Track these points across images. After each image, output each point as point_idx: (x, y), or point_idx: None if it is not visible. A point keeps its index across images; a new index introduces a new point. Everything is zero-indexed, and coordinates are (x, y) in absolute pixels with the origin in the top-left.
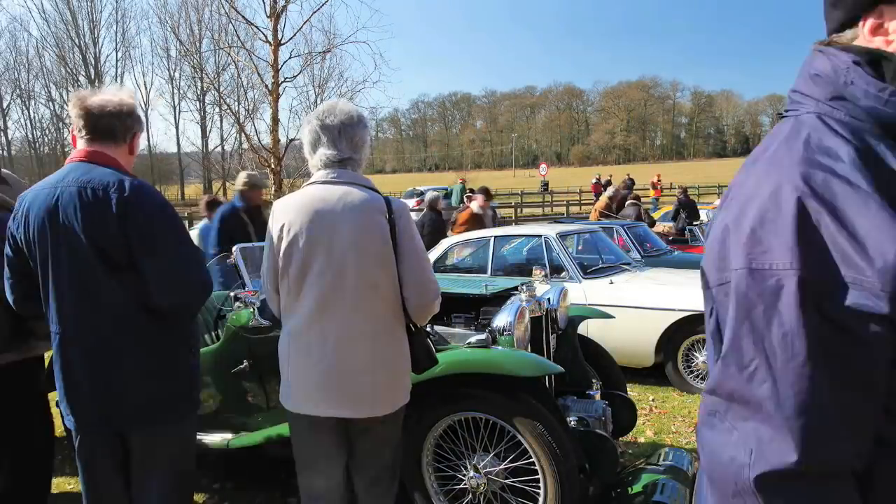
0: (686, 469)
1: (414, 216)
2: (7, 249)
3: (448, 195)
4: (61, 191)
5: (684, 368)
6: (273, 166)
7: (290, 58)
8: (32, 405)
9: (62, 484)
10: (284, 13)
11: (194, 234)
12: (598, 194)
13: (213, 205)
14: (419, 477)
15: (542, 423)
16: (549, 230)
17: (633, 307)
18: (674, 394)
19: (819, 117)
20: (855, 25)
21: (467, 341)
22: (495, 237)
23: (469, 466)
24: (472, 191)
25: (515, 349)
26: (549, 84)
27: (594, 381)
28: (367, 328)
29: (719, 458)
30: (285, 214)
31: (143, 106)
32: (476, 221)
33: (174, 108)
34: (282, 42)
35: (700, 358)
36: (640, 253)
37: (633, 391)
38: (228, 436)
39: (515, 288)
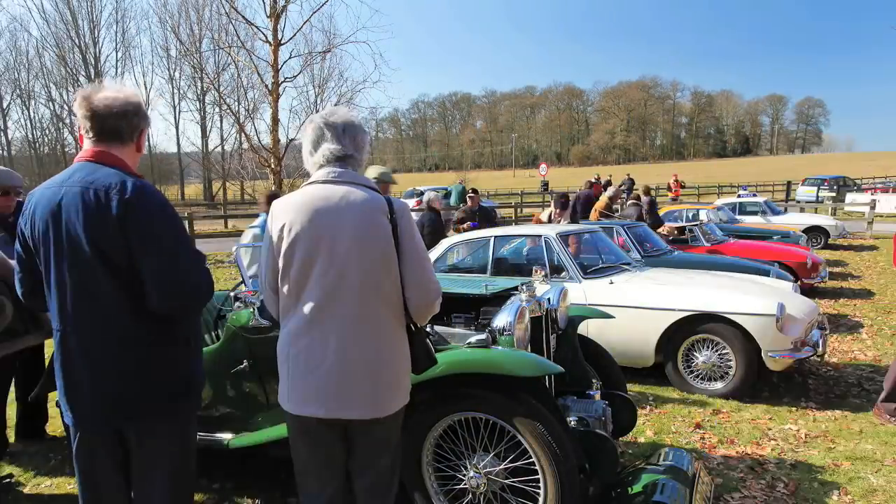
0: (686, 469)
1: (414, 216)
2: (17, 245)
3: (448, 195)
4: (65, 191)
5: (684, 368)
6: (273, 166)
7: (290, 58)
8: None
9: (62, 484)
10: (284, 13)
11: (253, 230)
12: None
13: (273, 198)
14: (419, 477)
15: (542, 423)
16: (549, 230)
17: (633, 307)
18: (674, 394)
19: None
20: None
21: (467, 341)
22: (495, 237)
23: (469, 466)
24: (474, 190)
25: (515, 349)
26: (549, 84)
27: (594, 381)
28: (368, 329)
29: None
30: (285, 214)
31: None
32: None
33: (174, 108)
34: (282, 42)
35: (700, 358)
36: (640, 253)
37: (633, 391)
38: (228, 436)
39: (515, 288)
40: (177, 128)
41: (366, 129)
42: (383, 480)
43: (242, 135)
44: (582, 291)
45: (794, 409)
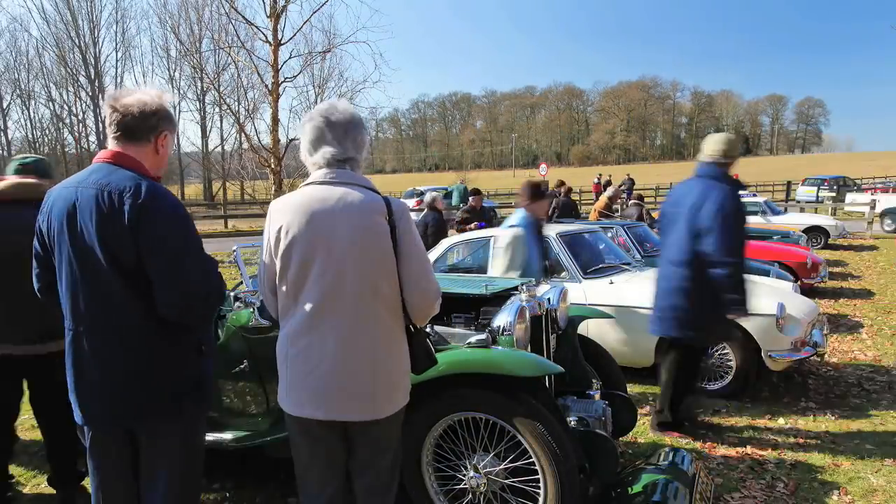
0: (686, 469)
1: (414, 216)
2: (35, 242)
3: (448, 195)
4: (80, 192)
5: None
6: (273, 166)
7: (290, 58)
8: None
9: None
10: (284, 13)
11: (513, 230)
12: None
13: (535, 189)
14: (419, 477)
15: (542, 423)
16: (549, 230)
17: (633, 307)
18: None
19: None
20: None
21: (467, 341)
22: (495, 237)
23: (469, 466)
24: (476, 190)
25: (515, 349)
26: (549, 84)
27: (594, 381)
28: (367, 330)
29: None
30: (283, 215)
31: None
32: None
33: (174, 107)
34: (282, 42)
35: None
36: (640, 253)
37: (633, 391)
38: (228, 436)
39: (515, 288)
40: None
41: (365, 125)
42: (383, 480)
43: (242, 135)
44: (582, 291)
45: (794, 409)
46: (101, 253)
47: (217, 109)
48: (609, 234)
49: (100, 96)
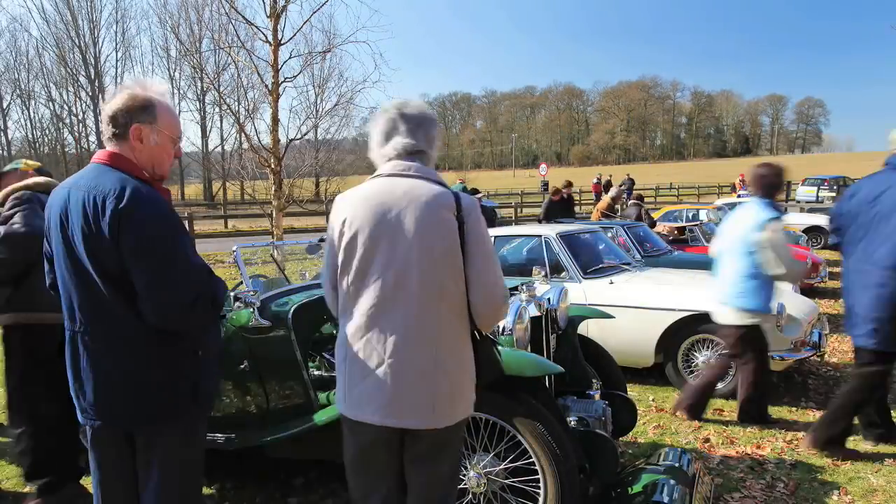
0: (686, 469)
1: None
2: (45, 239)
3: None
4: (72, 194)
5: (684, 368)
6: (273, 166)
7: (290, 58)
8: None
9: None
10: (284, 13)
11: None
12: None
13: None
14: None
15: (542, 423)
16: (549, 230)
17: (633, 307)
18: (674, 394)
19: None
20: None
21: None
22: (495, 237)
23: (469, 466)
24: (475, 190)
25: (515, 349)
26: (548, 84)
27: (594, 381)
28: (429, 333)
29: None
30: (347, 207)
31: None
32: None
33: (174, 108)
34: (282, 42)
35: (700, 358)
36: (640, 253)
37: (633, 391)
38: (229, 436)
39: (515, 288)
40: None
41: (438, 123)
42: (438, 489)
43: (242, 135)
44: (582, 291)
45: (794, 409)
46: (88, 259)
47: (217, 109)
48: (609, 234)
49: (100, 96)
